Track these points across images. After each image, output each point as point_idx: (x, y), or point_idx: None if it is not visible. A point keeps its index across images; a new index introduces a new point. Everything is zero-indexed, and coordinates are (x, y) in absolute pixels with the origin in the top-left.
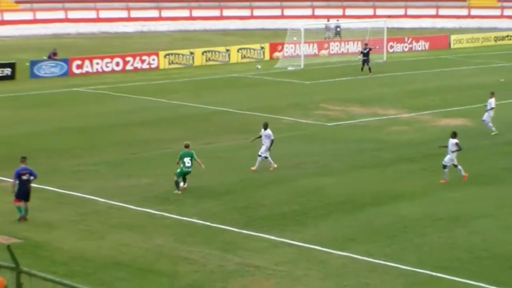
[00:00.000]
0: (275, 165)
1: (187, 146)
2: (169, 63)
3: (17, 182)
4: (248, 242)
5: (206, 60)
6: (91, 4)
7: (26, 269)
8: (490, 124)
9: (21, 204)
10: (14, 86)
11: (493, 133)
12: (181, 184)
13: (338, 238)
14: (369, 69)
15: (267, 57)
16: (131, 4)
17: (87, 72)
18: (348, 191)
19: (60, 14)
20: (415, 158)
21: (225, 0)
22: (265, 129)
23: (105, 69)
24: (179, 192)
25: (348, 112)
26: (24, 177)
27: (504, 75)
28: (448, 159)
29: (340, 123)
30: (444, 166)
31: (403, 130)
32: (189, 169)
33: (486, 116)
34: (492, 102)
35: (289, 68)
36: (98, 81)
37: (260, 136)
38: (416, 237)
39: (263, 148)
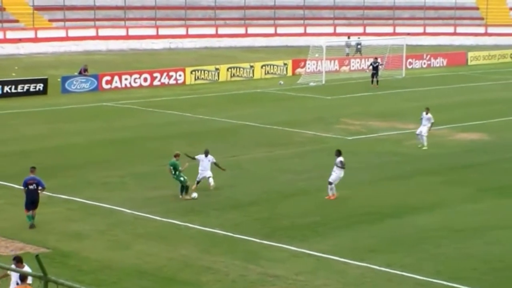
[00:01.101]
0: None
1: (174, 156)
2: (195, 79)
3: (25, 190)
4: (270, 252)
5: (231, 76)
6: (121, 22)
7: (54, 278)
8: (424, 138)
9: (30, 213)
10: (46, 100)
11: (423, 148)
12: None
13: (357, 249)
14: (377, 81)
15: (289, 73)
16: (159, 22)
17: (116, 88)
18: (368, 203)
19: (91, 32)
20: (434, 170)
21: (250, 18)
22: (206, 155)
23: (134, 84)
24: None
25: (368, 126)
26: (31, 187)
27: None
28: (335, 177)
29: (360, 137)
30: (330, 183)
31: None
32: (172, 176)
33: (420, 130)
34: (430, 117)
35: (311, 83)
36: (127, 96)
37: (194, 158)
38: (433, 247)
39: (208, 172)
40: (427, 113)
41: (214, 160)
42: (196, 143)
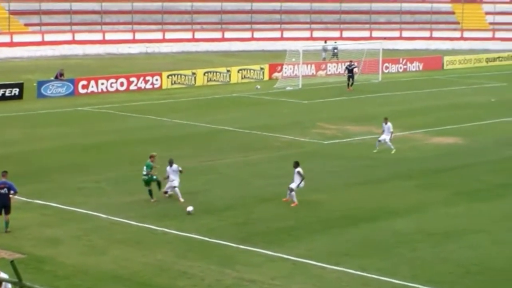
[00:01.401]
0: (182, 200)
1: (150, 157)
2: (172, 83)
3: None
4: (246, 257)
5: (208, 80)
6: (98, 27)
7: (29, 284)
8: (389, 143)
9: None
10: (22, 105)
11: (392, 151)
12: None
13: (333, 253)
14: (352, 84)
15: (266, 77)
16: (136, 27)
17: (92, 92)
18: (343, 207)
19: (68, 36)
20: (410, 175)
21: (227, 23)
22: (171, 165)
23: (110, 89)
24: (151, 201)
25: (344, 130)
26: (2, 191)
27: (495, 95)
28: (295, 185)
29: (336, 141)
30: (291, 190)
31: (398, 148)
32: (143, 177)
33: (383, 138)
34: (389, 126)
35: (288, 88)
36: (103, 101)
37: (168, 177)
38: (409, 251)
39: (175, 181)
40: (386, 123)
41: (180, 168)
42: (172, 148)
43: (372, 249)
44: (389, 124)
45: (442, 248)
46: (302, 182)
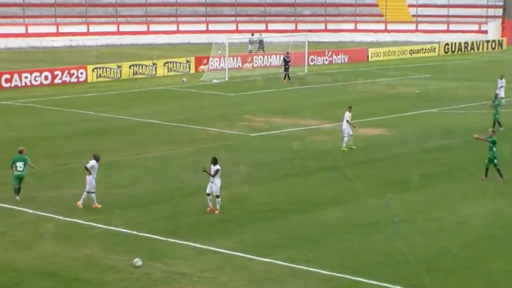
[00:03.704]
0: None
1: (20, 152)
2: (97, 77)
3: None
4: (174, 250)
5: (133, 74)
6: (20, 20)
7: None
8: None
9: None
10: None
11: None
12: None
13: (262, 245)
14: (288, 76)
15: (192, 70)
16: (59, 20)
17: (16, 86)
18: (272, 199)
19: None
20: (337, 166)
21: (152, 16)
22: (97, 161)
23: (34, 83)
24: (19, 199)
25: (271, 123)
26: None
27: (420, 87)
28: (217, 188)
29: (263, 133)
30: (208, 194)
31: (325, 140)
32: (21, 173)
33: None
34: (348, 115)
35: (214, 81)
36: (27, 95)
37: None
38: (337, 242)
39: (93, 183)
40: (349, 111)
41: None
42: (98, 141)
43: (301, 240)
44: (349, 113)
45: (369, 238)
46: (220, 180)
